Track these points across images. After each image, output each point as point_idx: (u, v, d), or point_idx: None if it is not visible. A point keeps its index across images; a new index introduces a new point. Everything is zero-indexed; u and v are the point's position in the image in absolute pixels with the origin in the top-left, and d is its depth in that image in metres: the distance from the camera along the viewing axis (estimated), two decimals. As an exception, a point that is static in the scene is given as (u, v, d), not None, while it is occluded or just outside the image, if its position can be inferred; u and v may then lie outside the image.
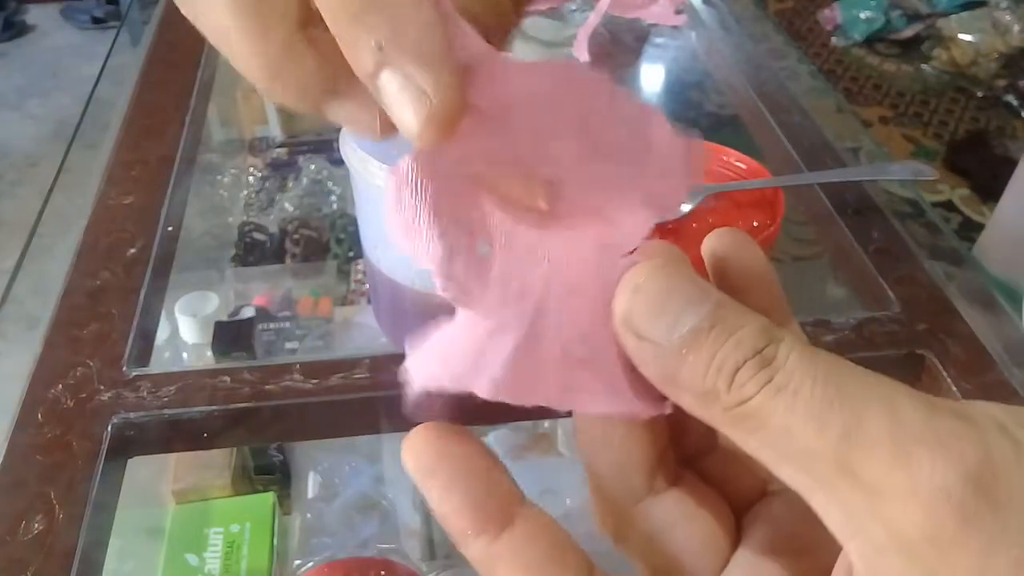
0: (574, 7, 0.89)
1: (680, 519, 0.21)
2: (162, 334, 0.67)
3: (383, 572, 0.58)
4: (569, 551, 0.19)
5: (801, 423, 0.16)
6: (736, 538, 0.21)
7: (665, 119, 0.21)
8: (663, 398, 0.19)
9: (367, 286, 0.67)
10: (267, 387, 0.47)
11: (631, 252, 0.20)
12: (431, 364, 0.18)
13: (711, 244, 0.22)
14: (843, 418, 0.16)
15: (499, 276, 0.18)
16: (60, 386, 0.47)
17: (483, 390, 0.17)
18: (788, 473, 0.17)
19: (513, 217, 0.19)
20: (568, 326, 0.19)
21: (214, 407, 0.46)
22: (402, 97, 0.16)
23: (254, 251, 0.83)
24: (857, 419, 0.16)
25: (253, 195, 0.91)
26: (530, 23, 0.84)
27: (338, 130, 0.41)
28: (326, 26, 0.17)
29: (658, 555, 0.20)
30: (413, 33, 0.16)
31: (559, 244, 0.19)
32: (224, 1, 0.17)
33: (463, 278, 0.18)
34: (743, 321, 0.18)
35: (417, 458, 0.18)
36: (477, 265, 0.18)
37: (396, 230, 0.18)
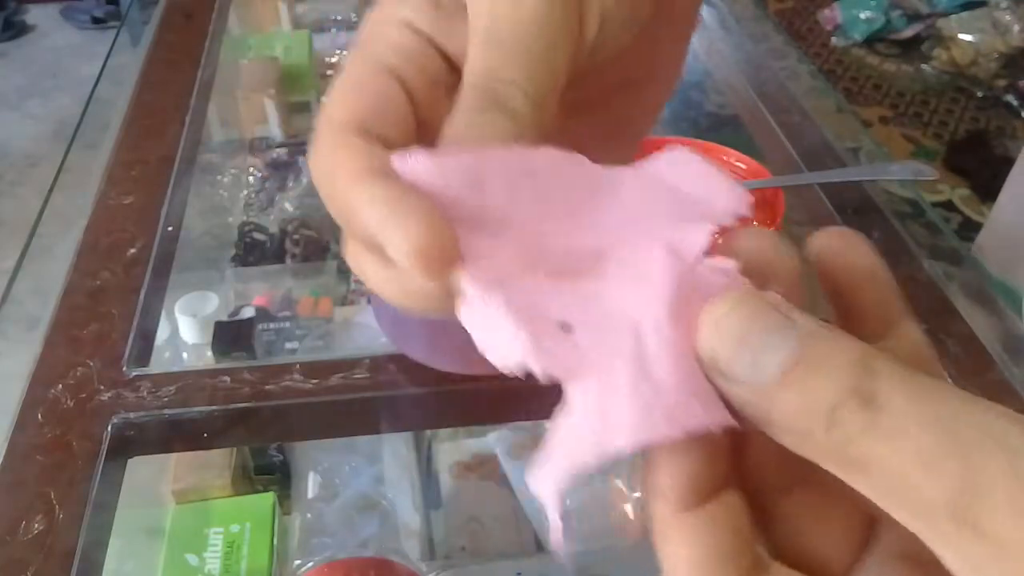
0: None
1: (811, 518, 0.20)
2: (162, 334, 0.66)
3: (383, 572, 0.57)
4: (742, 553, 0.18)
5: (911, 470, 0.15)
6: (866, 539, 0.20)
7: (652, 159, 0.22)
8: None
9: (367, 286, 0.66)
10: (267, 387, 0.47)
11: (711, 247, 0.20)
12: (567, 457, 0.18)
13: (816, 245, 0.21)
14: (959, 468, 0.15)
15: (588, 334, 0.19)
16: (60, 386, 0.47)
17: (628, 444, 0.17)
18: (903, 517, 0.16)
19: (579, 282, 0.20)
20: (666, 350, 0.18)
21: (214, 407, 0.46)
22: (397, 256, 0.18)
23: (254, 251, 0.83)
24: (973, 469, 0.15)
25: (253, 195, 0.91)
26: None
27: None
28: None
29: (790, 553, 0.20)
30: (368, 216, 0.19)
31: (628, 284, 0.20)
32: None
33: (557, 356, 0.18)
34: (834, 353, 0.16)
35: None
36: (564, 338, 0.19)
37: (486, 346, 0.19)
